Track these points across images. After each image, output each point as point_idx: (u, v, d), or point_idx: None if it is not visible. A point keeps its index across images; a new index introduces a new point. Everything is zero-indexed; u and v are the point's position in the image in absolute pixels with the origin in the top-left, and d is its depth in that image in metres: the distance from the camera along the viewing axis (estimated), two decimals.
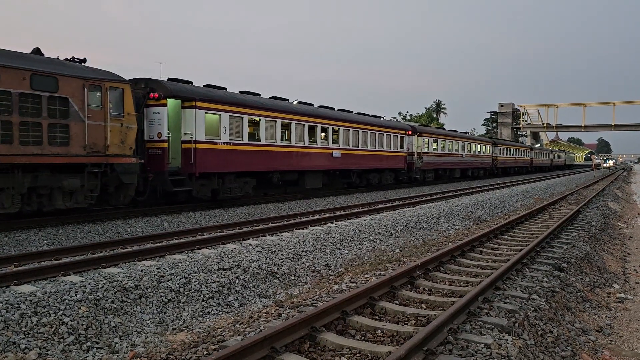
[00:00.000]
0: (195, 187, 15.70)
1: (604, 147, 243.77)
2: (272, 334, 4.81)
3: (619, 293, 8.56)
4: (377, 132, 26.88)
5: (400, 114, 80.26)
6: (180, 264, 8.03)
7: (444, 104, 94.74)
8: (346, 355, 4.86)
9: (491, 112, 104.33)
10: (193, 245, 9.59)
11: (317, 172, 22.11)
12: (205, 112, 15.90)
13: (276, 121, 19.22)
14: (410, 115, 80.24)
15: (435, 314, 5.79)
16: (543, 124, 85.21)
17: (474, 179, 43.06)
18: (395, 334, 5.35)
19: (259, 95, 19.64)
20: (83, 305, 6.13)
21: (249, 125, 18.02)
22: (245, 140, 17.60)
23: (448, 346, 5.00)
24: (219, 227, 12.07)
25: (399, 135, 29.44)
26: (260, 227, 12.05)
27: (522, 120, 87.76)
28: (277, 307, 6.51)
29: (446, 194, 23.26)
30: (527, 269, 8.45)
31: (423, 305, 6.43)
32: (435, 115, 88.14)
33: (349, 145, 24.19)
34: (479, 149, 43.92)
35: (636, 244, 13.65)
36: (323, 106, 24.05)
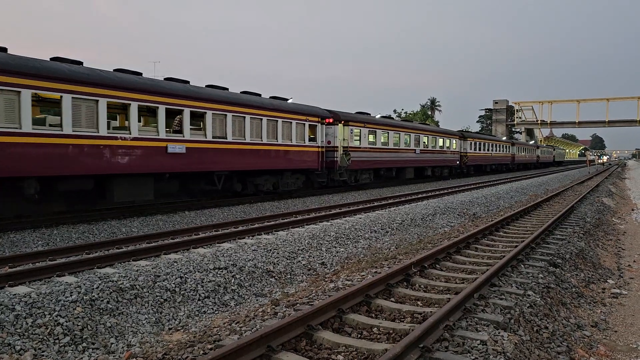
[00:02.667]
0: None
1: (598, 143, 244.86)
2: (268, 333, 4.80)
3: (614, 288, 8.61)
4: (265, 118, 18.54)
5: (395, 111, 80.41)
6: (175, 264, 8.02)
7: (439, 102, 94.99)
8: (342, 353, 4.86)
9: (485, 109, 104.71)
10: (188, 244, 9.57)
11: (138, 177, 14.30)
12: None
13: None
14: (405, 112, 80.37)
15: (431, 311, 5.80)
16: (537, 120, 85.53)
17: (437, 179, 36.71)
18: (391, 331, 5.36)
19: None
20: (78, 306, 6.11)
21: None
22: None
23: (444, 343, 5.01)
24: (215, 226, 12.04)
25: (306, 124, 21.10)
26: (256, 225, 12.04)
27: (517, 117, 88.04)
28: (273, 306, 6.51)
29: (442, 192, 23.31)
30: (523, 265, 8.48)
31: (419, 302, 6.44)
32: (430, 113, 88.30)
33: (205, 135, 16.11)
34: (441, 144, 36.72)
35: (630, 239, 13.72)
36: (170, 78, 16.04)
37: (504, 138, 68.60)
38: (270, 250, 9.44)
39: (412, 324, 5.44)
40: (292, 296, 7.26)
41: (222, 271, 8.00)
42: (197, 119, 16.30)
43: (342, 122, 24.10)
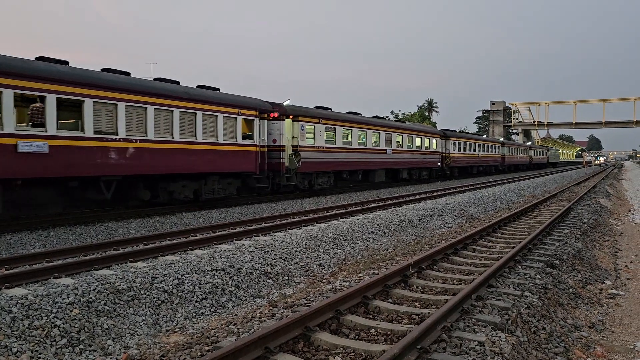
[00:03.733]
0: None
1: (594, 144, 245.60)
2: (266, 334, 4.80)
3: (611, 289, 8.63)
4: (178, 110, 15.13)
5: (392, 112, 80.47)
6: (173, 265, 8.00)
7: (436, 103, 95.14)
8: (340, 355, 4.86)
9: (483, 110, 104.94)
10: (186, 246, 9.55)
11: None
12: None
13: None
14: (403, 113, 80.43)
15: (428, 312, 5.80)
16: (534, 121, 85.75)
17: (414, 182, 33.04)
18: (389, 332, 5.36)
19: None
20: (75, 308, 6.09)
21: None
22: None
23: (442, 344, 5.02)
24: (212, 227, 12.03)
25: (239, 118, 17.47)
26: (254, 227, 12.03)
27: (514, 118, 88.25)
28: (271, 307, 6.50)
29: (440, 193, 23.33)
30: (520, 266, 8.49)
31: (417, 303, 6.44)
32: (427, 114, 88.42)
33: (83, 130, 12.76)
34: (418, 143, 32.93)
35: (627, 240, 13.75)
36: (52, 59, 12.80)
37: (502, 139, 66.95)
38: (268, 251, 9.44)
39: (409, 325, 5.44)
40: (289, 297, 7.25)
41: (219, 273, 7.99)
42: (70, 109, 12.96)
43: (291, 116, 20.49)
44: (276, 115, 19.86)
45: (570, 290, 7.89)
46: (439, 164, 36.33)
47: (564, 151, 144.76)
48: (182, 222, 13.78)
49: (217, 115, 16.71)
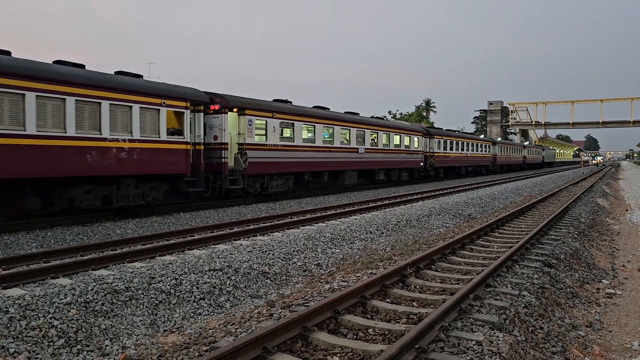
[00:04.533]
0: None
1: (592, 144, 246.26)
2: (263, 334, 4.80)
3: (608, 288, 8.65)
4: (73, 99, 12.34)
5: (390, 112, 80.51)
6: (170, 265, 7.99)
7: (434, 102, 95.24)
8: (338, 355, 4.85)
9: (480, 110, 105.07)
10: (184, 246, 9.54)
11: None
12: None
13: None
14: (401, 113, 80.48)
15: (426, 312, 5.80)
16: (532, 121, 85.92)
17: (393, 184, 29.97)
18: (387, 332, 5.36)
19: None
20: (73, 308, 6.08)
21: None
22: None
23: (440, 344, 5.02)
24: (210, 227, 12.02)
25: (162, 110, 14.56)
26: (251, 227, 12.02)
27: (511, 118, 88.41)
28: (269, 307, 6.50)
29: (436, 192, 23.35)
30: (518, 266, 8.50)
31: (414, 303, 6.45)
32: (425, 114, 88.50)
33: None
34: (397, 142, 29.85)
35: (624, 239, 13.78)
36: None
37: (496, 138, 66.26)
38: (266, 251, 9.43)
39: (407, 325, 5.45)
40: (287, 297, 7.25)
41: (217, 273, 7.98)
42: None
43: (235, 109, 17.67)
44: (217, 107, 16.94)
45: (568, 289, 7.91)
46: (421, 164, 33.30)
47: (561, 151, 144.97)
48: (179, 222, 13.76)
49: (131, 106, 13.74)
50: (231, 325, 5.93)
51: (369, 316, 5.99)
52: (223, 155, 17.15)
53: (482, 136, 61.58)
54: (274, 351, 4.77)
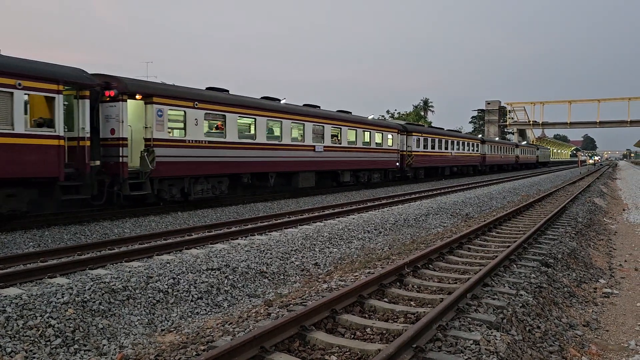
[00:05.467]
0: None
1: (589, 144, 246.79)
2: (261, 334, 4.79)
3: (605, 288, 8.67)
4: None
5: (388, 111, 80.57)
6: (168, 265, 7.98)
7: (432, 102, 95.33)
8: (336, 354, 4.86)
9: (478, 110, 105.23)
10: (181, 245, 9.53)
11: None
12: None
13: None
14: (399, 113, 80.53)
15: (424, 311, 5.81)
16: (529, 121, 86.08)
17: (362, 186, 26.76)
18: (384, 331, 5.36)
19: None
20: (70, 308, 6.07)
21: None
22: None
23: (437, 343, 5.02)
24: (208, 227, 12.01)
25: (17, 94, 11.09)
26: (249, 226, 12.01)
27: (509, 118, 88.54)
28: (267, 307, 6.50)
29: (435, 192, 23.38)
30: (515, 265, 8.52)
31: (412, 302, 6.45)
32: (422, 113, 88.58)
33: None
34: (366, 139, 26.61)
35: (621, 239, 13.82)
36: None
37: (499, 138, 64.75)
38: (264, 251, 9.43)
39: (405, 324, 5.45)
40: (285, 297, 7.25)
41: (215, 272, 7.98)
42: None
43: (139, 96, 14.15)
44: (112, 93, 13.55)
45: (565, 289, 7.92)
46: (397, 164, 29.99)
47: (557, 150, 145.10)
48: (177, 221, 13.74)
49: None
50: (229, 324, 5.93)
51: (366, 315, 5.99)
52: (121, 154, 13.59)
53: (479, 135, 60.88)
54: (271, 350, 4.77)
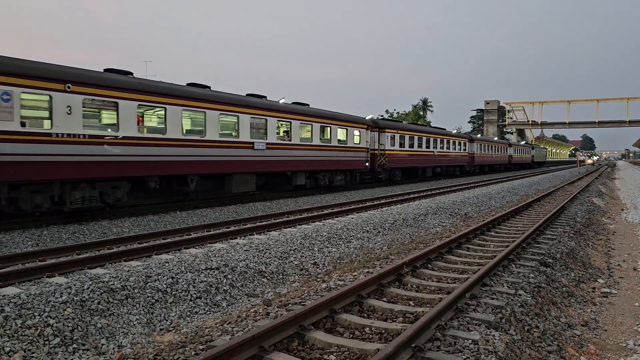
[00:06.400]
0: None
1: (588, 144, 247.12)
2: (260, 333, 4.79)
3: (604, 288, 8.68)
4: None
5: (387, 111, 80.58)
6: (167, 264, 7.98)
7: (431, 102, 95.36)
8: (335, 353, 4.86)
9: (477, 109, 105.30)
10: (180, 245, 9.53)
11: None
12: None
13: None
14: (398, 112, 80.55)
15: (423, 311, 5.81)
16: (528, 121, 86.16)
17: (323, 190, 23.30)
18: (383, 331, 5.36)
19: None
20: (69, 307, 6.06)
21: None
22: None
23: (436, 343, 5.03)
24: (206, 226, 12.00)
25: None
26: (248, 226, 12.01)
27: (508, 118, 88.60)
28: (265, 306, 6.50)
29: (434, 192, 23.38)
30: (514, 265, 8.52)
31: (411, 302, 6.45)
32: (422, 113, 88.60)
33: None
34: (324, 135, 23.09)
35: (620, 239, 13.83)
36: None
37: (497, 136, 62.93)
38: (262, 250, 9.42)
39: (404, 324, 5.45)
40: (284, 296, 7.25)
41: (213, 271, 7.97)
42: None
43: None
44: None
45: (564, 288, 7.93)
46: (366, 164, 26.33)
47: (555, 150, 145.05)
48: (176, 220, 13.73)
49: None
50: (228, 324, 5.93)
51: (365, 315, 5.99)
52: None
53: (478, 135, 59.83)
54: (270, 350, 4.77)
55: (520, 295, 6.67)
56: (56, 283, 6.81)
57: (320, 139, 22.71)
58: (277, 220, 12.68)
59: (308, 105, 22.80)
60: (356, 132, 25.66)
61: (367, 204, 17.30)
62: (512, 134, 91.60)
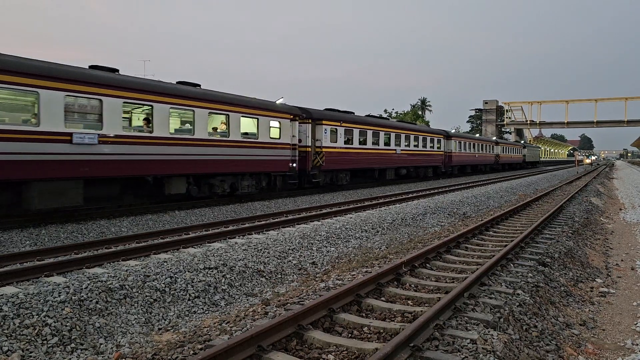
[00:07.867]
0: None
1: (586, 144, 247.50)
2: (258, 333, 4.79)
3: (602, 287, 8.69)
4: None
5: (385, 111, 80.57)
6: (165, 264, 7.97)
7: (429, 101, 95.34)
8: (333, 353, 4.85)
9: (476, 109, 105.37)
10: (178, 244, 9.52)
11: None
12: None
13: None
14: (396, 112, 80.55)
15: (421, 310, 5.81)
16: (526, 120, 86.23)
17: (216, 201, 17.25)
18: (382, 330, 5.36)
19: None
20: (67, 306, 6.05)
21: None
22: None
23: (434, 342, 5.03)
24: (205, 225, 11.99)
25: None
26: (247, 225, 12.00)
27: (506, 117, 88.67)
28: (264, 306, 6.50)
29: (433, 192, 23.39)
30: (512, 265, 8.53)
31: (409, 301, 6.46)
32: (420, 113, 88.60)
33: None
34: (221, 127, 17.13)
35: (618, 238, 13.85)
36: None
37: (496, 136, 60.51)
38: (261, 249, 9.42)
39: (402, 323, 5.45)
40: (282, 296, 7.24)
41: (212, 271, 7.97)
42: None
43: None
44: None
45: (562, 288, 7.94)
46: (291, 164, 20.63)
47: (554, 150, 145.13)
48: (174, 220, 13.72)
49: None
50: (226, 323, 5.92)
51: (364, 314, 5.99)
52: None
53: (477, 134, 58.18)
54: (268, 349, 4.77)
55: (518, 294, 6.68)
56: (54, 282, 6.80)
57: (211, 131, 16.85)
58: (276, 220, 12.68)
59: (199, 86, 16.77)
60: (274, 124, 19.50)
61: (366, 203, 17.31)
62: (510, 133, 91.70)
